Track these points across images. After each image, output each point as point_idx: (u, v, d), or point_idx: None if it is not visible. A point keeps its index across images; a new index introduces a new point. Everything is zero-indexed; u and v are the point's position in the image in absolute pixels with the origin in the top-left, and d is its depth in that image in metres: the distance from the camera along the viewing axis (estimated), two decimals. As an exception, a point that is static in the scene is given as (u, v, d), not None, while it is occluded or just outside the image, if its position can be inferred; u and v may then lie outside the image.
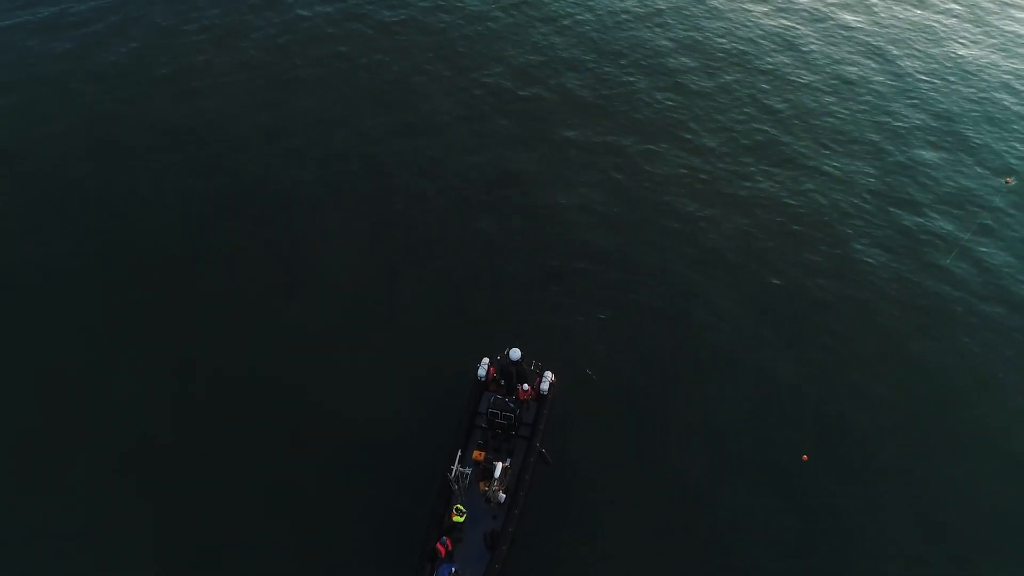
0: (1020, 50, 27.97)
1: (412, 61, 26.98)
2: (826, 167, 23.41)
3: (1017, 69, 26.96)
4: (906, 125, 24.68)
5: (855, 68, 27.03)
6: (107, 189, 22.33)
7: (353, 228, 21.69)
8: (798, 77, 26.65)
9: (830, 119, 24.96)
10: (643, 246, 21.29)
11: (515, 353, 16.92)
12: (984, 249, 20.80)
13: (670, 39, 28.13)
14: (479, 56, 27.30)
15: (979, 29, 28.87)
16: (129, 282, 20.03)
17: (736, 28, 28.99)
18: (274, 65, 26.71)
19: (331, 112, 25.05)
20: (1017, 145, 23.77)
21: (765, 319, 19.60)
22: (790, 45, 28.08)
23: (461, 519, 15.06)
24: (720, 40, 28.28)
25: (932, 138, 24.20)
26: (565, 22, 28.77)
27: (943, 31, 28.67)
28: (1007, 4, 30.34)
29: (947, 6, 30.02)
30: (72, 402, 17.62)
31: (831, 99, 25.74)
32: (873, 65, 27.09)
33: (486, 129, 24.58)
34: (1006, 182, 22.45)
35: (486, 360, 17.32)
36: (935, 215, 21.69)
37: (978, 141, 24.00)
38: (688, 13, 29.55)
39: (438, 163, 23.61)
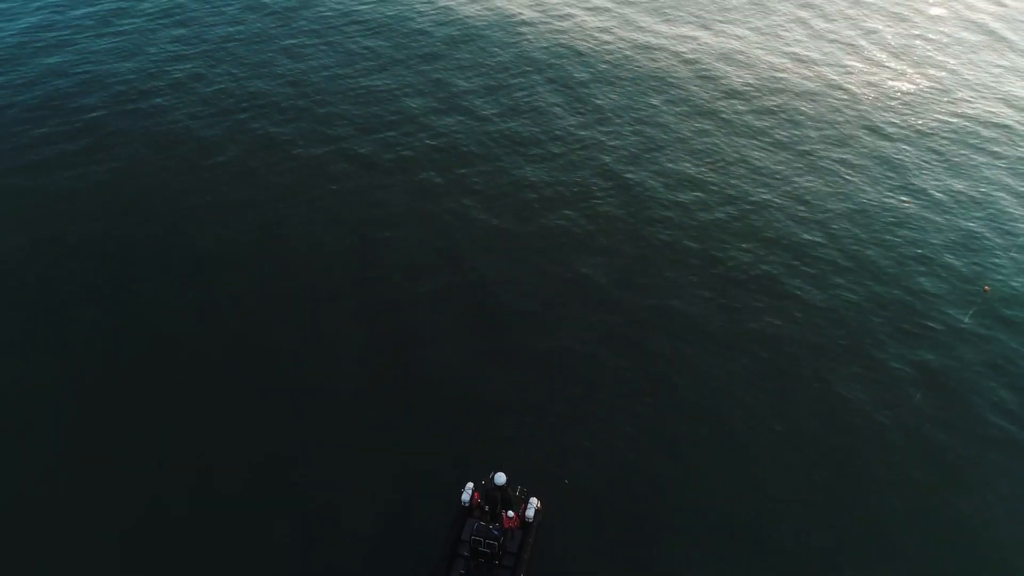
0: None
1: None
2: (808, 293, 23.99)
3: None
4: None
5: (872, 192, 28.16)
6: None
7: (345, 338, 21.50)
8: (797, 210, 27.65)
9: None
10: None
11: (500, 477, 16.51)
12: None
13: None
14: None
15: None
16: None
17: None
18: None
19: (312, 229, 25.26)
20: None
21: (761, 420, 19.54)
22: (786, 182, 29.28)
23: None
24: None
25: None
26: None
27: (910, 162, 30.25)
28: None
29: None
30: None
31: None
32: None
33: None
34: (984, 290, 23.07)
35: (470, 485, 16.86)
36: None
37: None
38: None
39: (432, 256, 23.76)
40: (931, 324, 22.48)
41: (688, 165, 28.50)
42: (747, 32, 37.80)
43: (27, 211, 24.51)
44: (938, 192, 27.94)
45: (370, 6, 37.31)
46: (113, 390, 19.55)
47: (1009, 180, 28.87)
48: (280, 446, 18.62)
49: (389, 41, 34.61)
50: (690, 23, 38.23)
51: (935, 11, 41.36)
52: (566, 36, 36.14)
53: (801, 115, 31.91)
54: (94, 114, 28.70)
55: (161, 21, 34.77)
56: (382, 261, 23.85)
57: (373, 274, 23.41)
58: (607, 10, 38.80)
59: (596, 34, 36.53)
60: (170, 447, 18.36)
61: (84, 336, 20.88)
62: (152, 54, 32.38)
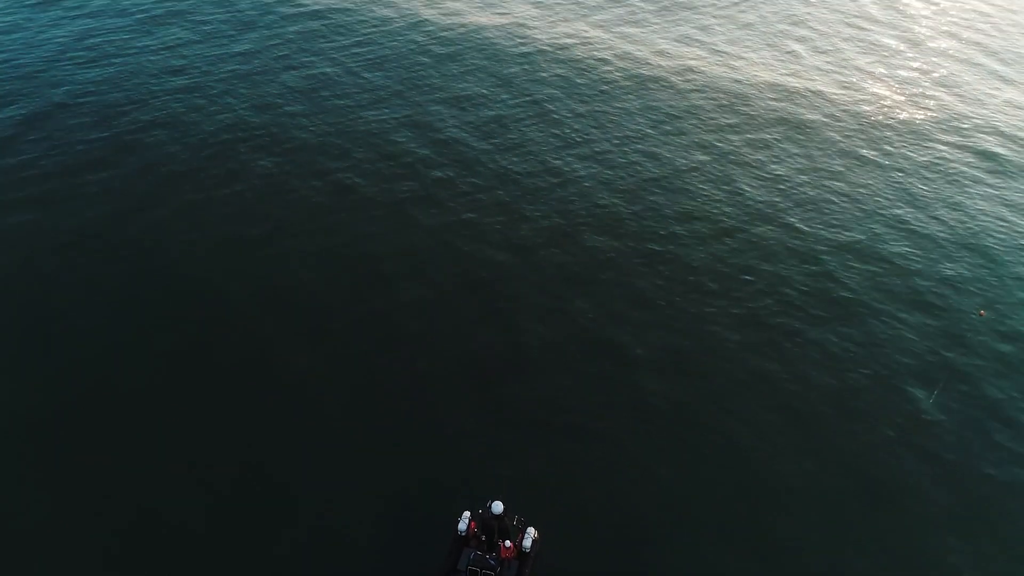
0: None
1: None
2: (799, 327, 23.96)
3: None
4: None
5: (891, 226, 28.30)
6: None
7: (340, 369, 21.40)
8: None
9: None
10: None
11: (497, 506, 16.31)
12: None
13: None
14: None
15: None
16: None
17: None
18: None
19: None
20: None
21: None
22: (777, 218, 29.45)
23: None
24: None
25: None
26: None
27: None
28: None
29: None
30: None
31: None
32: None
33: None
34: (980, 314, 23.19)
35: (467, 514, 16.64)
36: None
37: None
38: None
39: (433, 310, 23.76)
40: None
41: (686, 197, 28.66)
42: (748, 56, 38.30)
43: (25, 239, 24.56)
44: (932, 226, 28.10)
45: (372, 37, 37.82)
46: (112, 405, 19.41)
47: (1003, 210, 29.06)
48: (274, 470, 18.41)
49: (389, 73, 35.02)
50: (696, 47, 38.78)
51: (938, 43, 41.97)
52: (564, 65, 36.62)
53: (797, 145, 32.20)
54: (92, 144, 28.90)
55: (161, 54, 35.22)
56: (381, 292, 23.85)
57: (371, 305, 23.38)
58: (605, 36, 39.35)
59: (596, 61, 37.01)
60: (162, 471, 18.16)
61: (78, 364, 20.78)
62: (150, 87, 32.72)
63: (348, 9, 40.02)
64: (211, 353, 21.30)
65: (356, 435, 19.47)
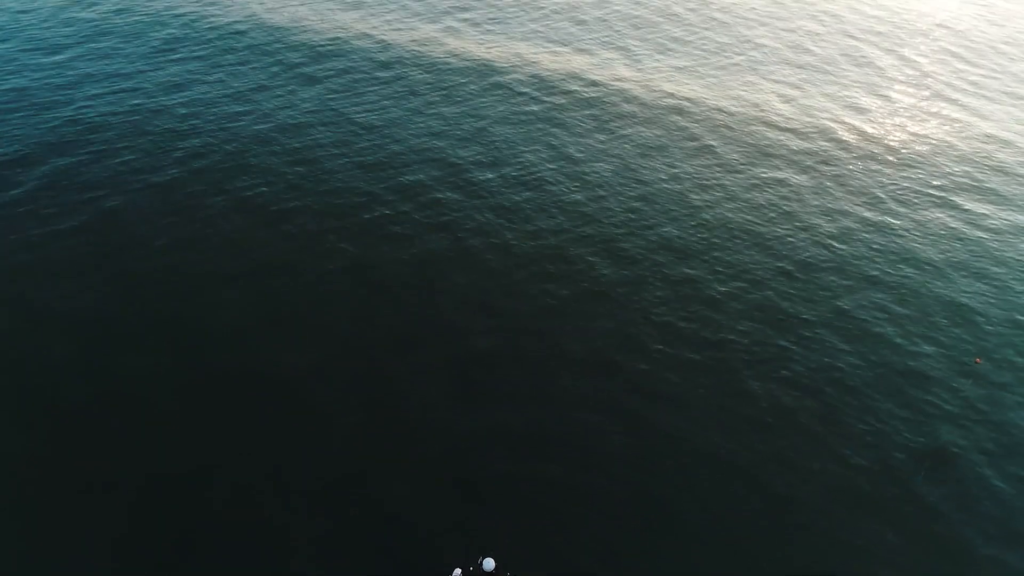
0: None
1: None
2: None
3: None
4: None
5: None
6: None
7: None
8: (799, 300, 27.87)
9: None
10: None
11: (489, 564, 16.35)
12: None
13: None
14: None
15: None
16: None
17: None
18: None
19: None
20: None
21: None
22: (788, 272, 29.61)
23: None
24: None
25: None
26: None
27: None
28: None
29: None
30: None
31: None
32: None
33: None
34: (975, 361, 23.34)
35: (458, 571, 16.65)
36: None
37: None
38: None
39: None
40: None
41: (685, 235, 28.85)
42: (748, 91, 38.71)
43: (23, 284, 24.89)
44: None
45: (373, 91, 38.43)
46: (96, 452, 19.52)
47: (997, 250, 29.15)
48: (269, 520, 18.44)
49: (386, 119, 35.55)
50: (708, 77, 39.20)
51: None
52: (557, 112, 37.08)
53: (797, 187, 32.42)
54: (96, 193, 29.36)
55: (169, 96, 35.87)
56: (377, 336, 24.02)
57: (366, 352, 23.54)
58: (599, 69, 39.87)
59: (594, 98, 37.46)
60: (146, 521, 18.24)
61: (71, 405, 20.92)
62: (155, 130, 33.28)
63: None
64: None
65: (345, 488, 19.52)
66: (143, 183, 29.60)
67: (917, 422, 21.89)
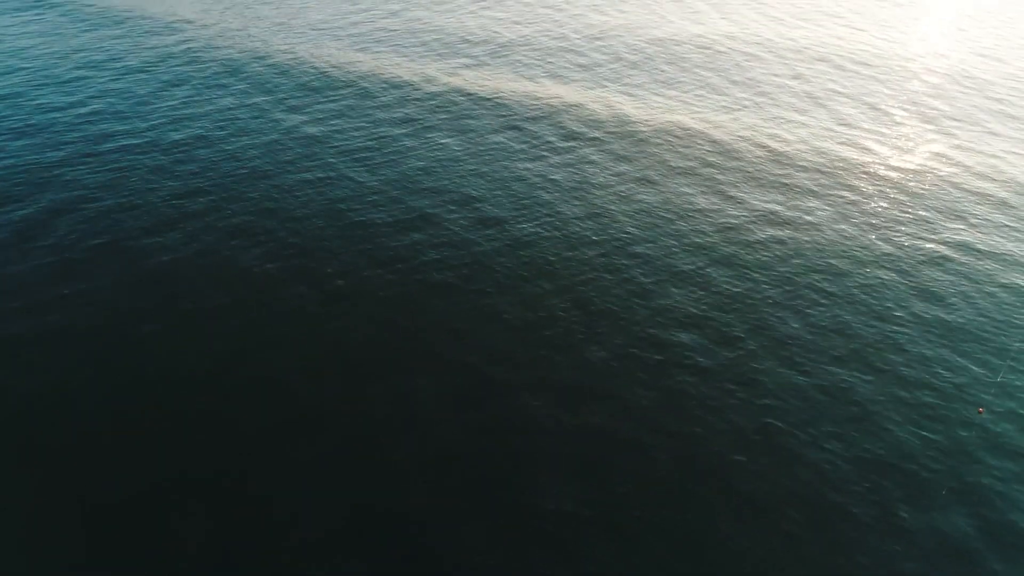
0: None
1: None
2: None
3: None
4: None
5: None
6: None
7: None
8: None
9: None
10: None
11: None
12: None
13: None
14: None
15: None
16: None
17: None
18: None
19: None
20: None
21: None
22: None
23: None
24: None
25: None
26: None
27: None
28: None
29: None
30: None
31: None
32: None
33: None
34: (979, 412, 22.58)
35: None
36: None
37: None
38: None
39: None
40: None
41: (685, 299, 28.07)
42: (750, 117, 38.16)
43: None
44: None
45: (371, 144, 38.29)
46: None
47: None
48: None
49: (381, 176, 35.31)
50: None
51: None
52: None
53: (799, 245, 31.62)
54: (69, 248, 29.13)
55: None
56: (373, 410, 23.34)
57: (360, 426, 22.82)
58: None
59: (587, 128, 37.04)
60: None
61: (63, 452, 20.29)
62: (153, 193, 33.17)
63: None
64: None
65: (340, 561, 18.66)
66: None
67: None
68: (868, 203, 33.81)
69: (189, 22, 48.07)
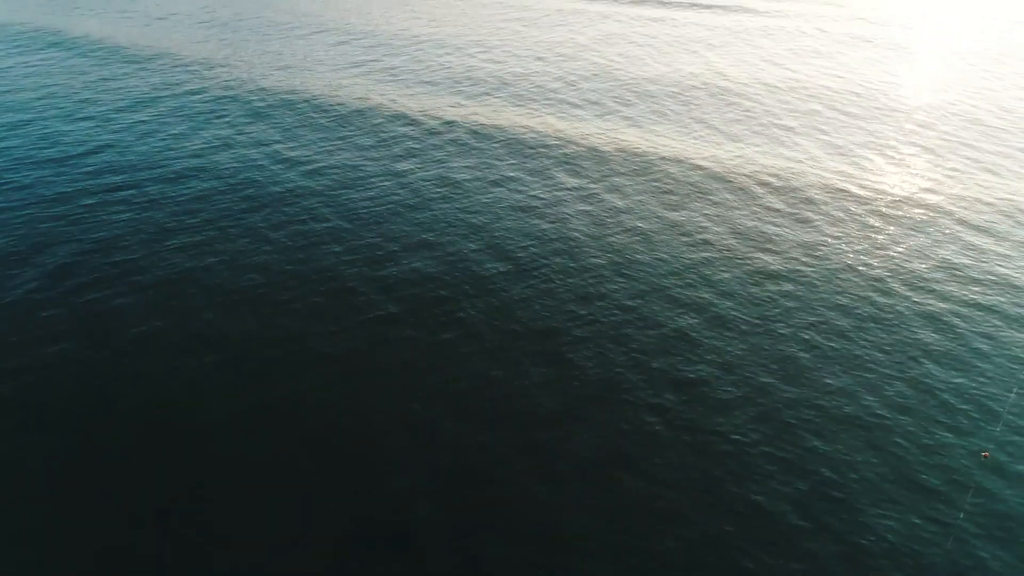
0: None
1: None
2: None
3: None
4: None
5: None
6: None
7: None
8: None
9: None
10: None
11: None
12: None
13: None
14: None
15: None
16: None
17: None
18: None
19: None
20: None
21: None
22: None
23: None
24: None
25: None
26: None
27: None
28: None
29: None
30: None
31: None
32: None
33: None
34: (984, 456, 22.36)
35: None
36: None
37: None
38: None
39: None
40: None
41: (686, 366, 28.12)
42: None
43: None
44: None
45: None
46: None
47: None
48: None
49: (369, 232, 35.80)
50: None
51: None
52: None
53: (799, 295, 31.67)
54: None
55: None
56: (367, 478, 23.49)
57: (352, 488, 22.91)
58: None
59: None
60: None
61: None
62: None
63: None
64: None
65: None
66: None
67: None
68: (871, 232, 33.70)
69: (221, 65, 49.09)
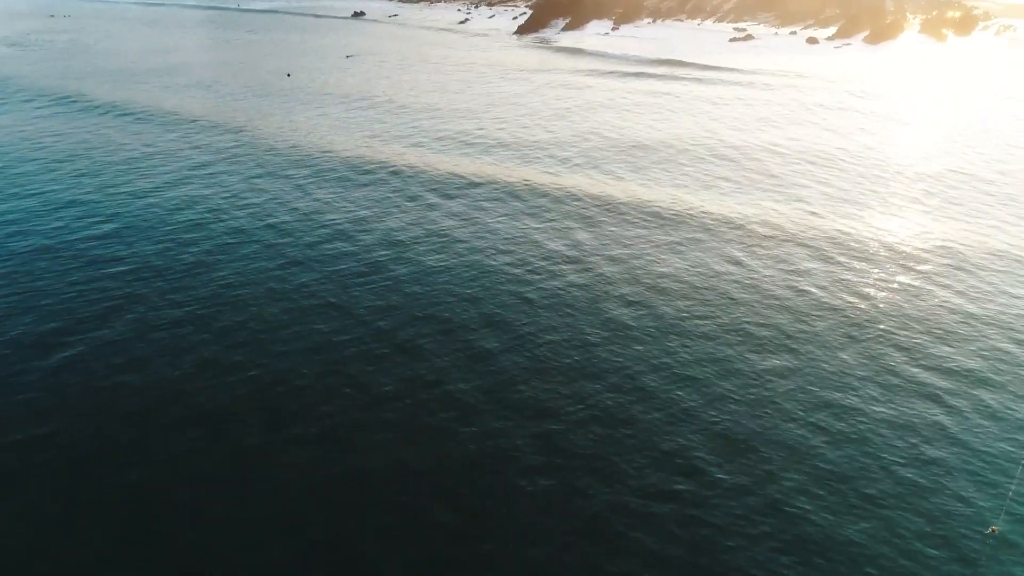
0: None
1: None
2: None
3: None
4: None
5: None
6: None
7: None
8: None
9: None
10: None
11: None
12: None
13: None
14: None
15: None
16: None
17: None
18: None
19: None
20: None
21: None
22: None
23: None
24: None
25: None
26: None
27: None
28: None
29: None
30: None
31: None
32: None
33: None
34: (991, 530, 21.89)
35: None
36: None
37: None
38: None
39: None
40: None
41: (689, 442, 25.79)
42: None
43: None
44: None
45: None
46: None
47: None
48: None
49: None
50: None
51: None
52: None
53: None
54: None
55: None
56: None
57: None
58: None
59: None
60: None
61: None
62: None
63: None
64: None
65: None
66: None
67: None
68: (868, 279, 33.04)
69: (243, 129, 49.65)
